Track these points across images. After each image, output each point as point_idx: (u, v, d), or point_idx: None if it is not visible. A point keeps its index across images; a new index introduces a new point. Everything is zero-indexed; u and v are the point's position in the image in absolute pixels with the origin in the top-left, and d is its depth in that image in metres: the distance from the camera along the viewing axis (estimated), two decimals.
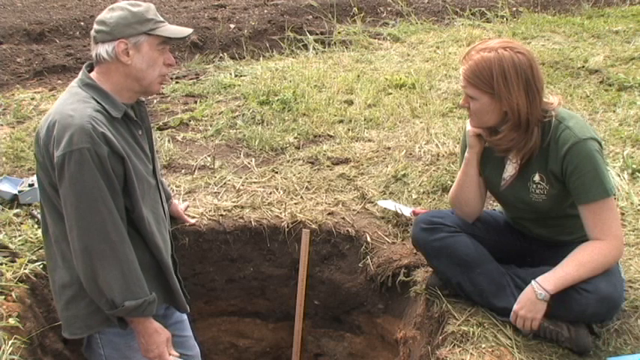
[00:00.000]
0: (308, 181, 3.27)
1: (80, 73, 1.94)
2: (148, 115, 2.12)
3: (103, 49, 1.86)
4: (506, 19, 6.96)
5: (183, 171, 3.42)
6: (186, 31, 1.97)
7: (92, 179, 1.78)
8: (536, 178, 2.08)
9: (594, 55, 5.29)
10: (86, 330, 1.99)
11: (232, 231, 2.95)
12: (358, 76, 5.07)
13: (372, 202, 3.05)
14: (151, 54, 1.90)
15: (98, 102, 1.86)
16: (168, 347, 2.02)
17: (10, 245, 2.61)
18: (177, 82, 5.10)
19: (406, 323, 2.59)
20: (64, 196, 1.81)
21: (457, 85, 4.66)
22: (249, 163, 3.51)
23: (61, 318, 2.02)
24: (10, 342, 2.10)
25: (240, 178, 3.31)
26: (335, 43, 6.24)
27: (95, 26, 1.89)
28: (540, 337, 2.06)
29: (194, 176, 3.35)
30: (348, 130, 3.96)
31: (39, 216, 2.76)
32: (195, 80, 5.18)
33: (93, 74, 1.93)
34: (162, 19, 1.94)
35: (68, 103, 1.84)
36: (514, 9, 7.37)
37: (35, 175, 2.02)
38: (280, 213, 2.99)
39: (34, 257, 2.57)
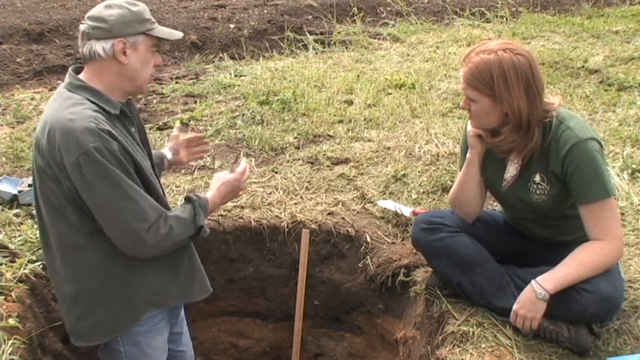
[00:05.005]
0: (308, 181, 3.27)
1: (67, 76, 1.89)
2: (138, 112, 2.10)
3: (99, 46, 1.82)
4: (506, 19, 6.97)
5: (183, 171, 3.42)
6: (177, 34, 1.99)
7: (113, 173, 1.75)
8: (537, 178, 2.08)
9: (594, 55, 5.29)
10: (108, 335, 1.96)
11: (232, 231, 2.95)
12: (358, 76, 5.07)
13: (372, 202, 3.05)
14: (145, 54, 1.89)
15: (93, 102, 1.82)
16: (229, 178, 2.14)
17: (10, 245, 2.61)
18: (177, 82, 5.10)
19: (406, 323, 2.59)
20: (94, 200, 1.77)
21: (457, 85, 4.66)
22: (249, 163, 3.50)
23: (74, 328, 1.96)
24: (10, 342, 2.10)
25: None
26: (335, 43, 6.24)
27: (90, 22, 1.83)
28: (540, 337, 2.06)
29: (194, 176, 3.35)
30: (348, 130, 3.96)
31: None
32: (195, 80, 5.18)
33: (82, 75, 1.89)
34: (154, 19, 1.94)
35: (64, 108, 1.79)
36: (514, 9, 7.38)
37: (33, 189, 1.96)
38: (280, 213, 3.00)
39: (33, 257, 2.57)
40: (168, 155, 2.37)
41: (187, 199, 2.00)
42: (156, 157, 2.26)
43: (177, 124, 2.41)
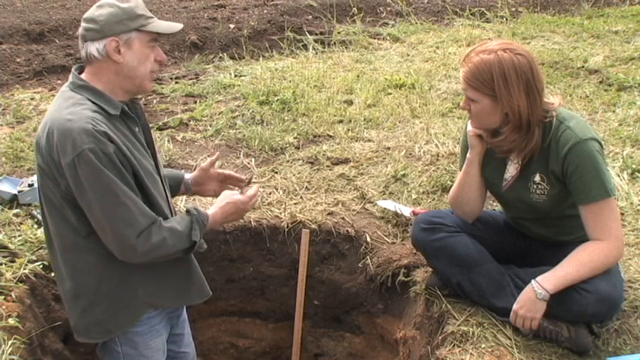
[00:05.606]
0: (308, 181, 3.27)
1: (70, 76, 1.89)
2: (144, 112, 2.09)
3: (93, 48, 1.82)
4: (506, 20, 6.97)
5: (182, 171, 3.42)
6: (176, 26, 1.94)
7: (106, 176, 1.74)
8: (537, 178, 2.08)
9: (594, 55, 5.29)
10: (106, 335, 1.97)
11: (232, 231, 2.95)
12: (358, 76, 5.08)
13: (372, 202, 3.05)
14: (142, 51, 1.87)
15: (94, 102, 1.82)
16: (236, 199, 2.10)
17: (10, 245, 2.61)
18: (177, 82, 5.10)
19: (406, 323, 2.59)
20: (87, 201, 1.77)
21: (457, 85, 4.67)
22: (248, 163, 3.51)
23: (77, 325, 1.97)
24: (10, 342, 2.10)
25: None
26: (335, 43, 6.24)
27: (84, 24, 1.84)
28: (540, 337, 2.06)
29: None
30: (348, 130, 3.96)
31: (39, 216, 2.76)
32: (194, 80, 5.18)
33: (84, 75, 1.89)
34: (151, 14, 1.90)
35: (64, 108, 1.79)
36: (514, 9, 7.38)
37: (36, 185, 1.96)
38: (280, 213, 3.00)
39: (33, 257, 2.57)
40: (188, 183, 2.30)
41: (187, 212, 1.99)
42: (172, 179, 2.24)
43: (215, 157, 2.31)
